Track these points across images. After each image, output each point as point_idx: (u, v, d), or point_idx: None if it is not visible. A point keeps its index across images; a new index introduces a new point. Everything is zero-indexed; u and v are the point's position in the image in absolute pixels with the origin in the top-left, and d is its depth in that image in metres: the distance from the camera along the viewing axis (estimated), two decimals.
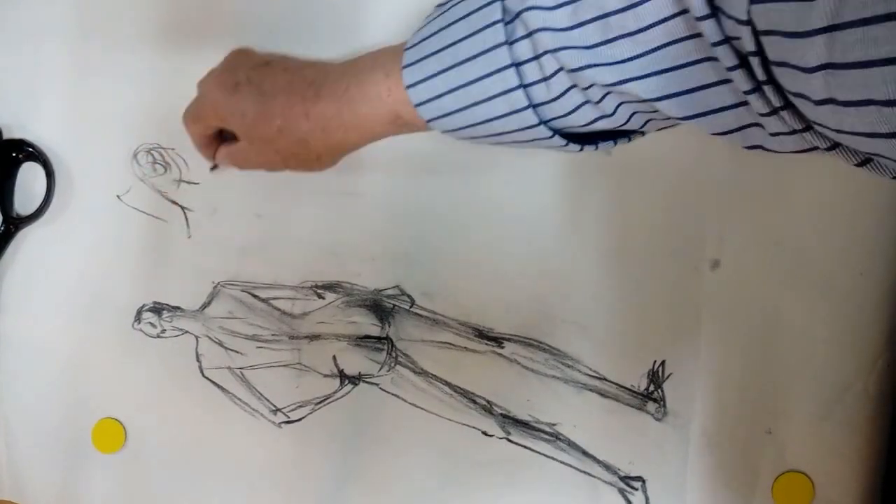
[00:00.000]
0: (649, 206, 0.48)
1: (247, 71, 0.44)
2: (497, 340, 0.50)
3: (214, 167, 0.51)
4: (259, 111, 0.42)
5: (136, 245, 0.54)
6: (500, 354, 0.50)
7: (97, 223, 0.54)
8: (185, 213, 0.53)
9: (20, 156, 0.54)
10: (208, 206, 0.53)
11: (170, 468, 0.54)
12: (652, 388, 0.48)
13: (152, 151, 0.52)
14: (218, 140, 0.47)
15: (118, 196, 0.54)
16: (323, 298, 0.52)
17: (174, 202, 0.53)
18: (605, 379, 0.49)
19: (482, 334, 0.50)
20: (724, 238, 0.47)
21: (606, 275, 0.48)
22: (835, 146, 0.29)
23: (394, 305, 0.51)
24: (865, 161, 0.29)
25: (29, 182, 0.55)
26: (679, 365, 0.48)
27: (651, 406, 0.48)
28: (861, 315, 0.46)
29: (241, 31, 0.50)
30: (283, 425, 0.52)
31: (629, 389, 0.48)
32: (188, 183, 0.53)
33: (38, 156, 0.54)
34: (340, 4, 0.49)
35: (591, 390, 0.49)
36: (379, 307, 0.51)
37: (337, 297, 0.52)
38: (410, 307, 0.51)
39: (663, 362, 0.48)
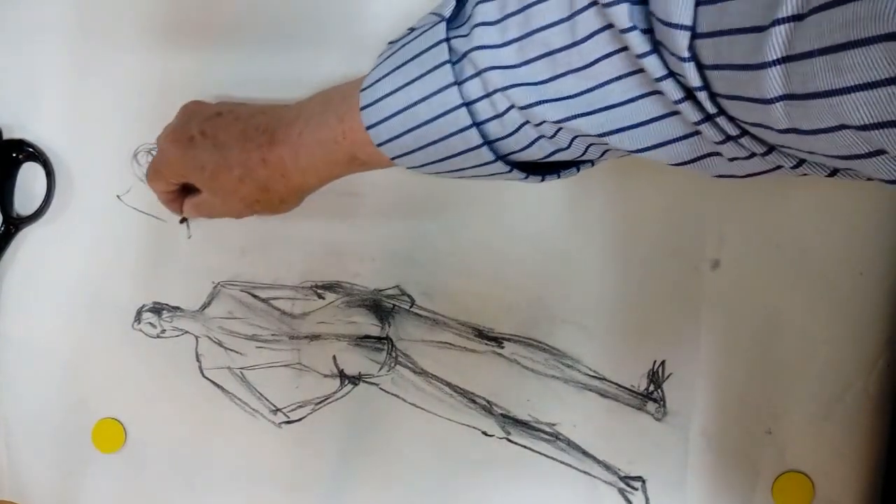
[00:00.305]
0: (649, 207, 0.48)
1: (199, 124, 0.44)
2: (497, 340, 0.50)
3: (183, 220, 0.51)
4: (217, 163, 0.43)
5: (136, 245, 0.54)
6: (500, 354, 0.50)
7: (97, 223, 0.54)
8: None
9: (20, 156, 0.54)
10: None
11: (170, 468, 0.54)
12: (652, 388, 0.48)
13: (152, 151, 0.52)
14: (182, 194, 0.48)
15: (118, 196, 0.54)
16: (323, 298, 0.52)
17: None
18: (605, 379, 0.49)
19: (482, 334, 0.50)
20: (724, 238, 0.47)
21: (606, 275, 0.48)
22: (801, 163, 0.29)
23: (394, 305, 0.51)
24: (835, 172, 0.29)
25: (29, 182, 0.55)
26: (679, 365, 0.48)
27: (651, 406, 0.48)
28: (861, 315, 0.46)
29: (241, 31, 0.50)
30: (283, 425, 0.52)
31: (629, 389, 0.48)
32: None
33: (38, 156, 0.54)
34: (340, 4, 0.49)
35: (591, 390, 0.49)
36: (379, 307, 0.51)
37: (337, 297, 0.52)
38: (410, 307, 0.51)
39: (663, 362, 0.48)
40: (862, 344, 0.46)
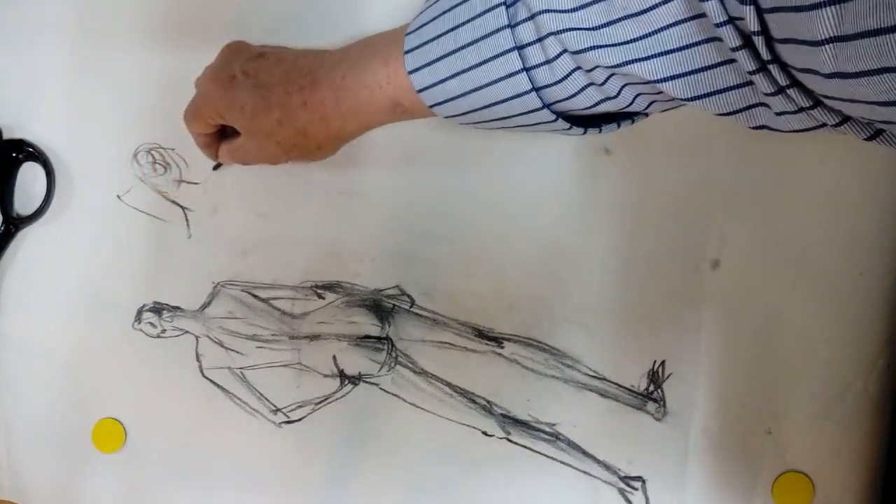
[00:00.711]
0: (650, 206, 0.48)
1: (242, 64, 0.43)
2: (497, 340, 0.50)
3: (218, 166, 0.51)
4: (257, 104, 0.42)
5: (136, 245, 0.54)
6: (500, 354, 0.50)
7: (97, 223, 0.54)
8: (185, 213, 0.53)
9: (20, 156, 0.54)
10: (208, 206, 0.53)
11: (170, 468, 0.54)
12: (652, 388, 0.48)
13: (152, 151, 0.52)
14: (219, 138, 0.47)
15: (118, 196, 0.54)
16: (323, 298, 0.52)
17: (174, 202, 0.53)
18: (605, 379, 0.49)
19: (482, 334, 0.50)
20: (725, 238, 0.47)
21: (607, 275, 0.48)
22: (844, 121, 0.29)
23: (394, 305, 0.51)
24: (876, 134, 0.28)
25: (29, 182, 0.55)
26: (679, 365, 0.48)
27: (651, 406, 0.48)
28: (861, 315, 0.46)
29: (241, 31, 0.50)
30: (283, 425, 0.52)
31: (629, 389, 0.48)
32: (188, 183, 0.53)
33: (38, 156, 0.54)
34: (341, 4, 0.49)
35: (591, 390, 0.49)
36: (379, 307, 0.51)
37: (337, 297, 0.52)
38: (410, 307, 0.51)
39: (663, 362, 0.48)
40: (862, 344, 0.46)
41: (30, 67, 0.54)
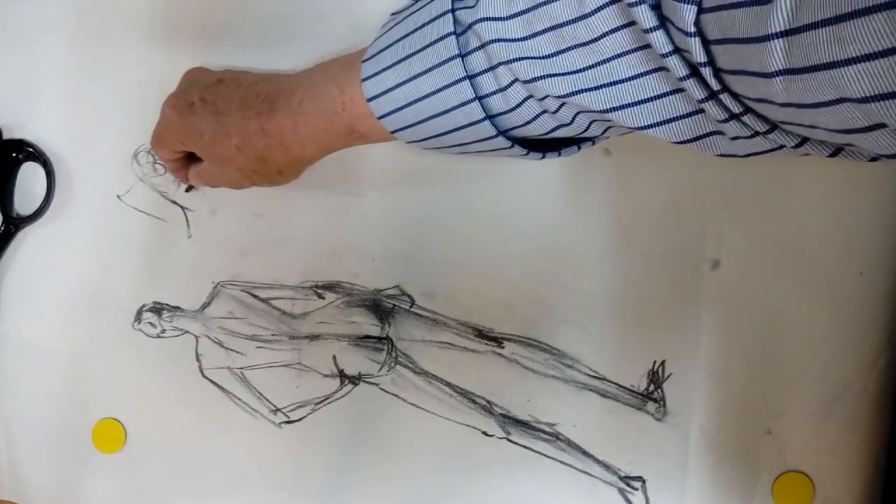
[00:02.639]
0: (649, 206, 0.48)
1: (200, 91, 0.44)
2: (497, 340, 0.50)
3: (190, 188, 0.51)
4: (215, 130, 0.42)
5: (136, 245, 0.54)
6: (500, 354, 0.50)
7: (97, 223, 0.54)
8: (185, 213, 0.53)
9: (20, 156, 0.54)
10: (208, 206, 0.53)
11: (170, 468, 0.54)
12: (652, 388, 0.48)
13: (152, 151, 0.52)
14: (187, 161, 0.47)
15: (118, 196, 0.54)
16: (323, 298, 0.52)
17: (174, 202, 0.53)
18: (605, 379, 0.49)
19: (482, 334, 0.50)
20: (724, 238, 0.47)
21: (606, 275, 0.48)
22: (803, 142, 0.29)
23: (394, 305, 0.51)
24: (838, 151, 0.29)
25: (29, 182, 0.55)
26: (679, 365, 0.48)
27: (651, 406, 0.48)
28: (861, 315, 0.46)
29: (241, 31, 0.50)
30: (283, 425, 0.52)
31: (629, 389, 0.48)
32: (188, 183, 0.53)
33: (38, 156, 0.54)
34: (341, 3, 0.49)
35: (591, 390, 0.49)
36: (379, 307, 0.51)
37: (337, 297, 0.52)
38: (410, 307, 0.51)
39: (663, 362, 0.48)
40: (862, 344, 0.46)
41: (30, 67, 0.54)
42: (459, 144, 0.37)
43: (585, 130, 0.36)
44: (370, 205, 0.51)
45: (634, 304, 0.48)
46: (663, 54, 0.29)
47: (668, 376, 0.48)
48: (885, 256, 0.45)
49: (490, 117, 0.35)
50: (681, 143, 0.32)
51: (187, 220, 0.53)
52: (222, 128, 0.42)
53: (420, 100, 0.36)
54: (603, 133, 0.36)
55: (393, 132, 0.38)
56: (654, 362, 0.48)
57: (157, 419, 0.54)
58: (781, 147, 0.30)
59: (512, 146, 0.37)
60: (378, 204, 0.51)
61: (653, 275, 0.48)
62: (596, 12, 0.31)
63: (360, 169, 0.51)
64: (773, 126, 0.29)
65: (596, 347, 0.49)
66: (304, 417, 0.52)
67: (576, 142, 0.39)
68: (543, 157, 0.38)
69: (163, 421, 0.54)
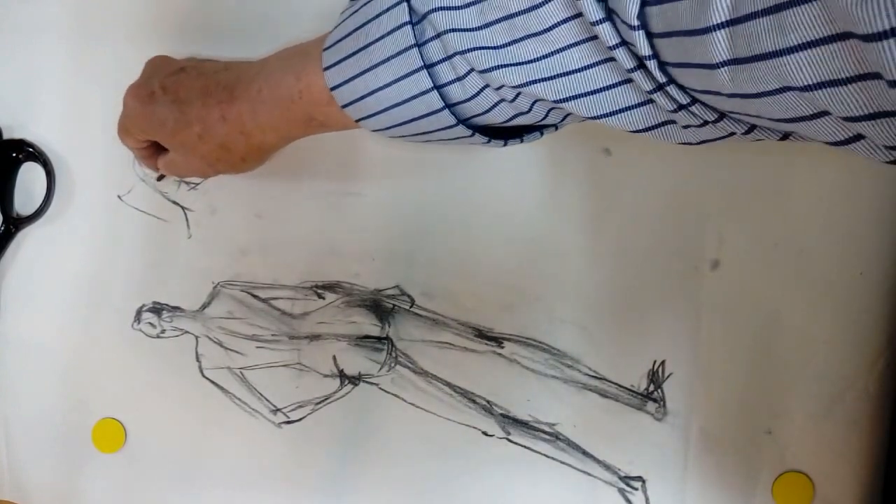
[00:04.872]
0: (649, 206, 0.48)
1: (161, 79, 0.44)
2: (497, 340, 0.50)
3: (161, 176, 0.51)
4: (177, 119, 0.42)
5: (136, 245, 0.54)
6: (500, 354, 0.50)
7: (97, 223, 0.54)
8: (185, 213, 0.53)
9: (20, 156, 0.54)
10: (208, 207, 0.53)
11: (170, 468, 0.54)
12: (652, 388, 0.48)
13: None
14: (156, 151, 0.47)
15: (119, 196, 0.54)
16: (323, 298, 0.52)
17: (174, 202, 0.53)
18: (605, 379, 0.49)
19: (482, 334, 0.50)
20: (724, 238, 0.47)
21: (606, 275, 0.48)
22: (752, 129, 0.29)
23: (394, 305, 0.51)
24: (787, 136, 0.29)
25: (29, 182, 0.55)
26: (679, 365, 0.48)
27: (651, 406, 0.48)
28: (861, 315, 0.46)
29: (241, 31, 0.50)
30: (283, 425, 0.52)
31: (629, 389, 0.48)
32: (188, 183, 0.53)
33: (38, 156, 0.54)
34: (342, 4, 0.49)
35: (591, 390, 0.49)
36: (379, 307, 0.51)
37: (337, 297, 0.52)
38: (410, 307, 0.51)
39: (663, 362, 0.48)
40: (862, 344, 0.46)
41: (30, 67, 0.54)
42: (423, 133, 0.37)
43: (544, 118, 0.36)
44: (370, 205, 0.51)
45: (634, 304, 0.48)
46: (610, 47, 0.29)
47: (668, 376, 0.48)
48: (885, 256, 0.45)
49: (449, 106, 0.35)
50: (637, 132, 0.33)
51: (187, 220, 0.53)
52: (183, 116, 0.42)
53: (381, 89, 0.35)
54: (562, 120, 0.36)
55: (357, 121, 0.38)
56: (654, 362, 0.48)
57: (157, 419, 0.54)
58: (732, 134, 0.30)
59: (472, 134, 0.37)
60: (378, 204, 0.51)
61: (653, 275, 0.48)
62: (546, 3, 0.31)
63: (360, 169, 0.51)
64: (722, 115, 0.29)
65: (596, 347, 0.49)
66: (304, 417, 0.52)
67: (538, 128, 0.39)
68: (505, 144, 0.38)
69: (163, 421, 0.54)
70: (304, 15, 0.49)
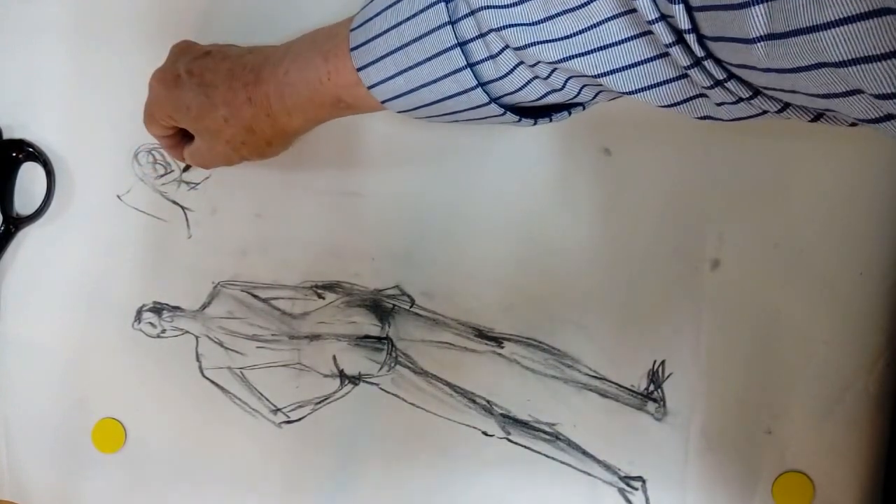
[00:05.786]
0: (649, 206, 0.48)
1: (187, 63, 0.43)
2: (497, 340, 0.50)
3: (187, 168, 0.51)
4: (202, 103, 0.42)
5: (136, 245, 0.54)
6: (500, 354, 0.50)
7: (97, 223, 0.54)
8: (185, 213, 0.53)
9: (20, 156, 0.54)
10: (208, 206, 0.53)
11: (170, 468, 0.54)
12: (652, 388, 0.48)
13: (153, 151, 0.52)
14: (182, 140, 0.47)
15: (118, 196, 0.54)
16: (323, 298, 0.52)
17: (174, 202, 0.53)
18: (605, 379, 0.49)
19: (482, 334, 0.50)
20: (724, 238, 0.47)
21: (606, 275, 0.48)
22: (785, 107, 0.29)
23: (394, 305, 0.51)
24: (818, 116, 0.29)
25: (29, 182, 0.55)
26: (679, 365, 0.48)
27: (651, 406, 0.48)
28: (861, 315, 0.46)
29: (240, 31, 0.50)
30: (283, 425, 0.52)
31: (629, 389, 0.48)
32: (188, 183, 0.53)
33: (38, 156, 0.54)
34: (342, 4, 0.49)
35: (591, 390, 0.49)
36: (379, 307, 0.51)
37: (337, 297, 0.52)
38: (410, 307, 0.51)
39: (663, 362, 0.48)
40: (862, 344, 0.46)
41: (30, 68, 0.54)
42: (451, 113, 0.37)
43: (577, 95, 0.35)
44: (370, 205, 0.51)
45: (634, 303, 0.48)
46: (649, 20, 0.29)
47: (668, 376, 0.48)
48: (885, 256, 0.45)
49: (482, 84, 0.35)
50: (666, 106, 0.33)
51: (187, 220, 0.53)
52: (209, 100, 0.42)
53: (411, 68, 0.35)
54: (594, 98, 0.36)
55: (383, 102, 0.38)
56: (654, 362, 0.48)
57: (157, 419, 0.54)
58: (765, 112, 0.30)
59: (504, 113, 0.36)
60: (378, 204, 0.51)
61: (653, 274, 0.48)
62: None
63: (359, 169, 0.51)
64: (756, 92, 0.29)
65: (596, 347, 0.49)
66: (304, 417, 0.52)
67: (566, 107, 0.39)
68: (535, 123, 0.38)
69: (163, 421, 0.54)
70: (304, 12, 0.49)
